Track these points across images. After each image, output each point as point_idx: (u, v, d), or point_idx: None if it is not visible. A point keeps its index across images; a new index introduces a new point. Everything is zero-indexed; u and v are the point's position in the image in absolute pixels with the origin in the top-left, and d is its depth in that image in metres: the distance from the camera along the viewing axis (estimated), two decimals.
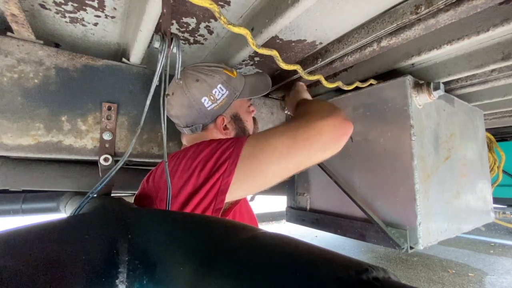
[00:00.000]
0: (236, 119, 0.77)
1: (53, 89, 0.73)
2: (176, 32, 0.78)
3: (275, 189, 1.93)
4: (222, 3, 0.65)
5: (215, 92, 0.73)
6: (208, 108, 0.73)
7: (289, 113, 1.03)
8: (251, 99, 0.84)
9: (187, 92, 0.71)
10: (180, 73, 0.65)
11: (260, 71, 0.78)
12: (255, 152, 0.55)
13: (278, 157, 0.54)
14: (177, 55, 0.62)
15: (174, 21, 0.73)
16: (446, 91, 0.99)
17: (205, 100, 0.72)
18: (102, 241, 0.31)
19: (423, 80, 0.86)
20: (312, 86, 1.20)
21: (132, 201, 0.66)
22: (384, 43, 0.71)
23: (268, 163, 0.54)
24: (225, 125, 0.76)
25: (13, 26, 0.64)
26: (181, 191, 0.55)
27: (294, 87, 0.97)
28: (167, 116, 0.74)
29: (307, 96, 0.91)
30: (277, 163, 0.55)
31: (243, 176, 0.54)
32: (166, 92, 0.60)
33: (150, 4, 0.56)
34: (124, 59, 0.84)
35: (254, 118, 0.85)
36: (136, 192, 0.70)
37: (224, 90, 0.74)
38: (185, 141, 0.81)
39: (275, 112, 1.21)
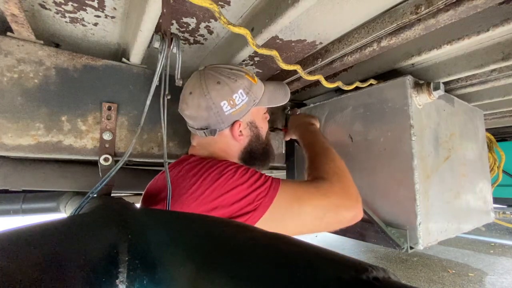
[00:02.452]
0: (252, 126, 0.77)
1: (53, 89, 0.73)
2: (176, 32, 0.78)
3: None
4: (222, 3, 0.65)
5: (236, 97, 0.70)
6: (226, 113, 0.71)
7: (295, 139, 1.05)
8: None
9: (207, 94, 0.68)
10: (180, 74, 0.65)
11: (281, 82, 0.83)
12: (285, 212, 0.60)
13: (305, 227, 0.61)
14: (177, 55, 0.62)
15: (174, 21, 0.73)
16: (446, 91, 0.99)
17: (224, 104, 0.69)
18: (102, 241, 0.31)
19: (423, 80, 0.85)
20: (312, 86, 1.20)
21: (132, 201, 0.66)
22: (384, 43, 0.71)
23: (293, 229, 0.61)
24: (240, 131, 0.74)
25: (13, 26, 0.64)
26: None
27: (293, 119, 1.03)
28: (184, 115, 0.76)
29: (308, 125, 0.98)
30: (301, 230, 0.61)
31: (268, 223, 0.58)
32: (167, 93, 0.60)
33: (150, 4, 0.56)
34: (124, 59, 0.84)
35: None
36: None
37: (244, 96, 0.72)
38: (196, 143, 0.78)
39: (275, 112, 1.21)
